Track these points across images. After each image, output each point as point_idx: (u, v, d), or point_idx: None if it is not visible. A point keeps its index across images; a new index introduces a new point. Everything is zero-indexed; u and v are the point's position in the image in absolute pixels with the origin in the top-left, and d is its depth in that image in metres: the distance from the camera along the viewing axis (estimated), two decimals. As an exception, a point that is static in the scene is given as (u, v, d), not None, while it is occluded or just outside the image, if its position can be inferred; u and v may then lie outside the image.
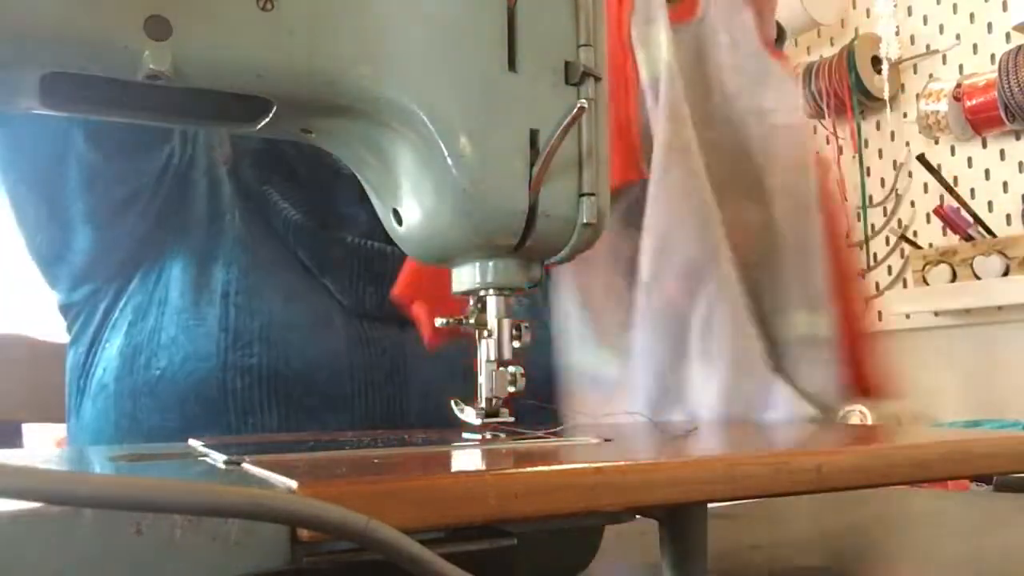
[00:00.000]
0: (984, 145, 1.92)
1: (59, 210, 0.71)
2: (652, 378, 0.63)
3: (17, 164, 0.70)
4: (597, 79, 0.45)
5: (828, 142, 2.17)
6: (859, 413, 1.99)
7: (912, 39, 2.04)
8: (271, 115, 0.43)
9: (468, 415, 0.48)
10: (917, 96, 1.98)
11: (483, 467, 0.38)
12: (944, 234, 1.96)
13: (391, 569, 0.26)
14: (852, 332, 0.68)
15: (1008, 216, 1.88)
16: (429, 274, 0.60)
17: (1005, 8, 1.87)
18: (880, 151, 2.11)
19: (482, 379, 0.47)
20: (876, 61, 2.04)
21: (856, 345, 0.68)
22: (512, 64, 0.43)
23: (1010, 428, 1.65)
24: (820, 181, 0.68)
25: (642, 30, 0.66)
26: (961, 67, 1.95)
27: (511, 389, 0.47)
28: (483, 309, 0.47)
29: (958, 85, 1.87)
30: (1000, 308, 1.85)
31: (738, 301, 0.64)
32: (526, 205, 0.44)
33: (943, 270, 1.85)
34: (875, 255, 2.11)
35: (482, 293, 0.47)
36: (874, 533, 0.58)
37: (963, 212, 1.90)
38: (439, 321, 0.49)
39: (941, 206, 1.94)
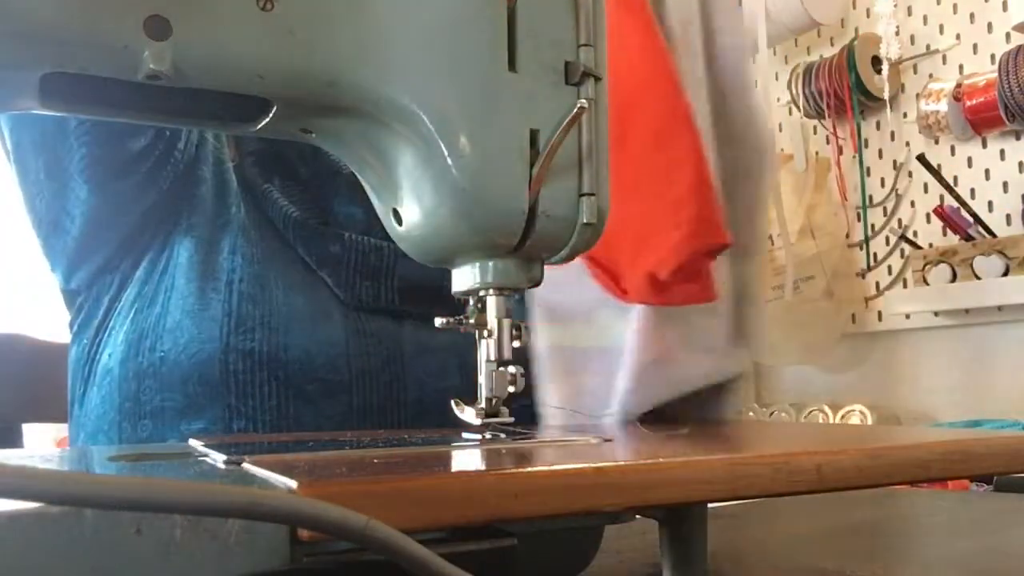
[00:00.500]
0: (984, 145, 1.92)
1: (58, 168, 0.71)
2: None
3: (24, 120, 0.70)
4: (597, 79, 0.45)
5: (828, 142, 2.17)
6: (859, 413, 1.99)
7: (912, 39, 2.04)
8: (271, 115, 0.43)
9: (468, 415, 0.48)
10: (917, 96, 1.98)
11: (483, 467, 0.38)
12: (944, 234, 1.96)
13: (391, 569, 0.26)
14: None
15: (1008, 216, 1.88)
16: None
17: (1005, 8, 1.87)
18: (880, 151, 2.11)
19: (482, 379, 0.47)
20: (876, 61, 2.04)
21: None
22: (512, 64, 0.43)
23: (1010, 428, 1.65)
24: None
25: None
26: (961, 67, 1.95)
27: (511, 389, 0.47)
28: (483, 309, 0.47)
29: (958, 85, 1.87)
30: (1000, 308, 1.85)
31: None
32: (526, 205, 0.44)
33: (943, 270, 1.85)
34: (875, 255, 2.11)
35: (482, 293, 0.47)
36: (874, 533, 0.58)
37: (963, 212, 1.90)
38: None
39: (941, 206, 1.94)
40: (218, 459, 0.38)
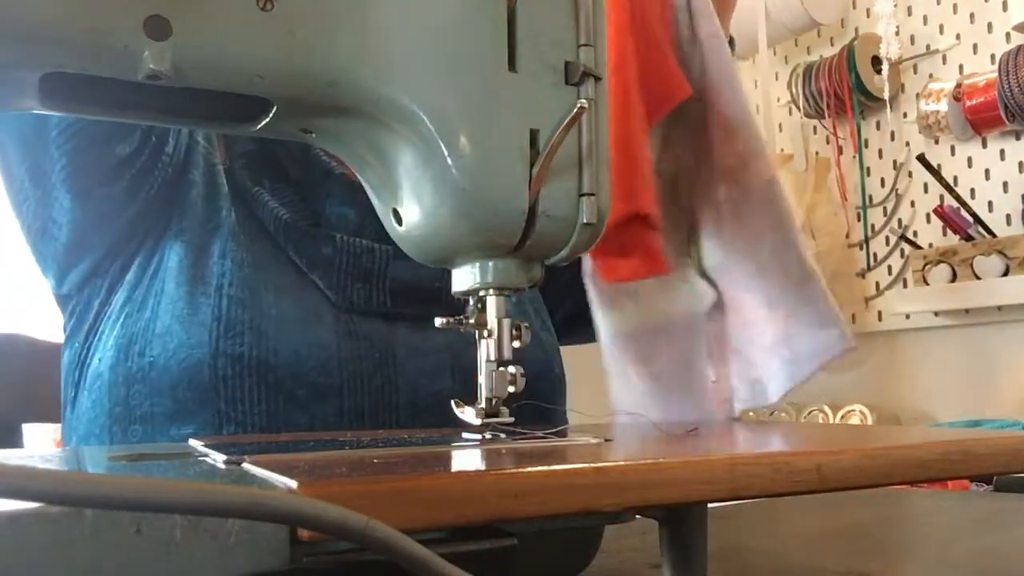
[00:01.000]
0: (984, 145, 1.92)
1: (41, 176, 0.71)
2: None
3: (7, 124, 0.70)
4: (597, 79, 0.45)
5: (828, 142, 2.17)
6: (859, 413, 1.99)
7: (912, 39, 2.04)
8: (271, 115, 0.43)
9: (468, 415, 0.48)
10: (917, 96, 1.98)
11: (483, 467, 0.38)
12: (944, 234, 1.96)
13: (391, 569, 0.26)
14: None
15: (1008, 216, 1.88)
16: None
17: (1005, 8, 1.87)
18: (880, 151, 2.11)
19: (482, 379, 0.47)
20: (876, 61, 2.04)
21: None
22: (512, 64, 0.43)
23: (1010, 428, 1.65)
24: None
25: None
26: (961, 67, 1.95)
27: (511, 389, 0.47)
28: (483, 309, 0.47)
29: (958, 85, 1.87)
30: (1000, 308, 1.85)
31: None
32: (526, 205, 0.44)
33: (943, 270, 1.85)
34: (875, 255, 2.11)
35: (482, 293, 0.47)
36: (874, 533, 0.58)
37: (963, 212, 1.90)
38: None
39: (941, 206, 1.94)
40: (218, 459, 0.38)
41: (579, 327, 0.78)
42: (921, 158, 1.95)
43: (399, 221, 0.47)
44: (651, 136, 0.64)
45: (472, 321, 0.47)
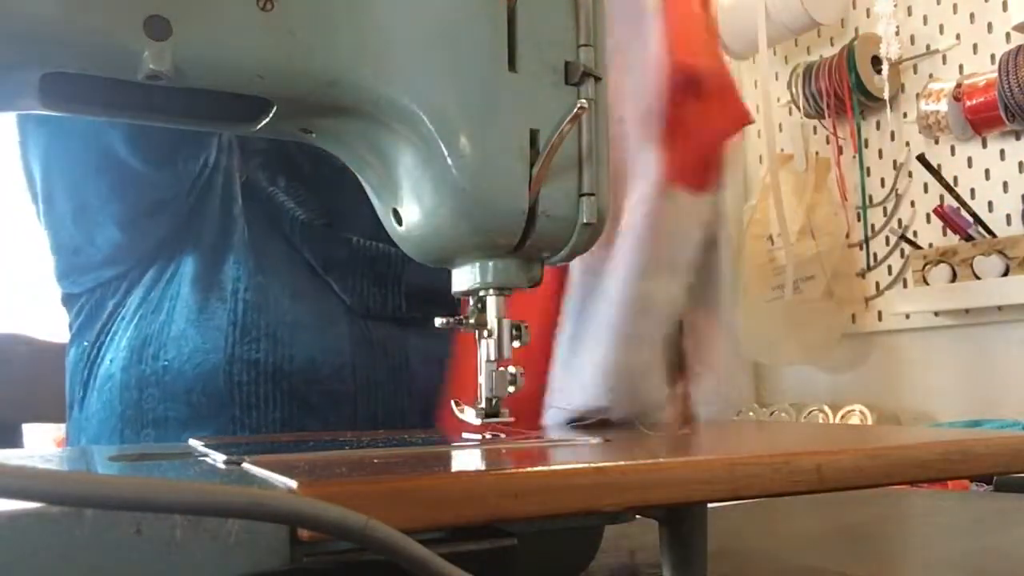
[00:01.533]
0: (984, 145, 1.92)
1: (88, 212, 0.72)
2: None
3: (55, 163, 0.71)
4: (597, 79, 0.45)
5: (828, 142, 2.17)
6: (859, 413, 1.99)
7: (912, 39, 2.04)
8: (271, 115, 0.43)
9: (468, 415, 0.48)
10: (917, 96, 1.97)
11: (483, 467, 0.38)
12: (944, 234, 1.96)
13: (391, 569, 0.26)
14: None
15: (1008, 216, 1.88)
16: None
17: (1005, 8, 1.87)
18: (880, 151, 2.11)
19: (482, 379, 0.47)
20: (876, 61, 2.04)
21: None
22: (512, 64, 0.43)
23: (1010, 428, 1.65)
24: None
25: None
26: (961, 67, 1.95)
27: (511, 389, 0.47)
28: (483, 309, 0.47)
29: (958, 85, 1.87)
30: (1000, 308, 1.85)
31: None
32: (526, 205, 0.44)
33: (943, 270, 1.85)
34: (875, 255, 2.11)
35: (482, 293, 0.47)
36: (874, 533, 0.58)
37: (963, 212, 1.90)
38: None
39: (941, 206, 1.94)
40: (218, 459, 0.38)
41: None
42: (921, 158, 1.95)
43: (399, 221, 0.47)
44: None
45: (472, 321, 0.47)
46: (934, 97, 1.92)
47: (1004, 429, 1.65)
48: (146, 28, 0.37)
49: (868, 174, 2.13)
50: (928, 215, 2.01)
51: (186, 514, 0.25)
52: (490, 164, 0.43)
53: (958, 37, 1.96)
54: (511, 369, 0.47)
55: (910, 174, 2.05)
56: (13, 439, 0.94)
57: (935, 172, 1.93)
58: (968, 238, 1.87)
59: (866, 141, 2.13)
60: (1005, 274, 1.77)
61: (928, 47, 2.02)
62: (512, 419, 0.48)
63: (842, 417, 2.01)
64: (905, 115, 2.05)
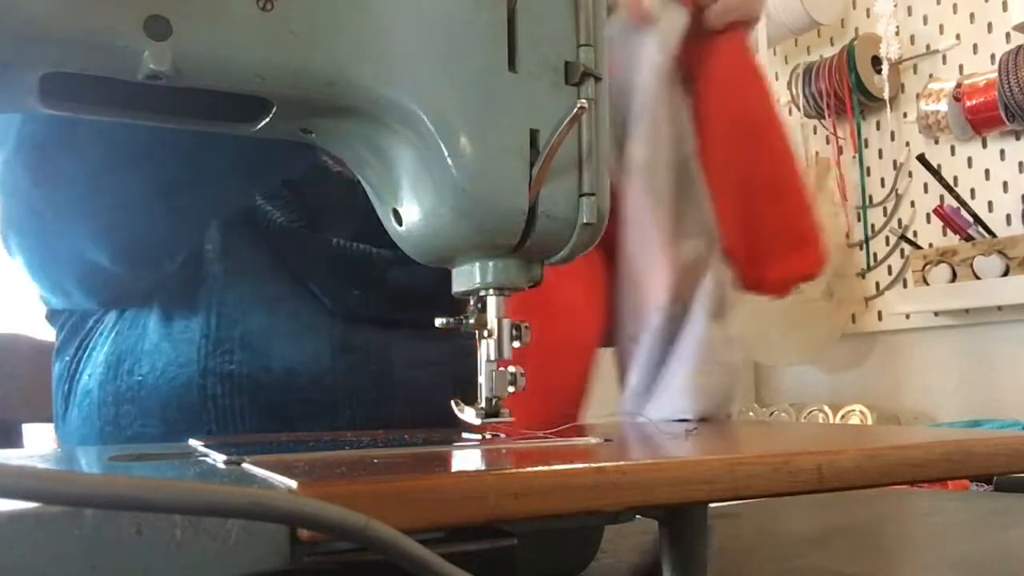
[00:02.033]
0: (984, 145, 1.92)
1: (90, 276, 0.70)
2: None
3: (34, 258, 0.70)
4: (597, 79, 0.45)
5: (828, 142, 2.17)
6: (859, 413, 1.99)
7: (912, 39, 2.04)
8: (271, 115, 0.43)
9: (468, 415, 0.48)
10: (917, 96, 1.98)
11: (483, 467, 0.38)
12: (944, 234, 1.96)
13: (391, 569, 0.26)
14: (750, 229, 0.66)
15: (1008, 216, 1.88)
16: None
17: (1005, 8, 1.87)
18: (880, 151, 2.11)
19: (482, 379, 0.47)
20: (876, 61, 2.04)
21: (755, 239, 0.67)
22: (512, 64, 0.43)
23: (1010, 428, 1.65)
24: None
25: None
26: (961, 67, 1.95)
27: (511, 389, 0.47)
28: (483, 309, 0.47)
29: (958, 85, 1.87)
30: (1000, 308, 1.85)
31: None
32: (526, 205, 0.44)
33: (943, 270, 1.85)
34: (875, 255, 2.11)
35: (482, 293, 0.47)
36: (874, 533, 0.58)
37: (963, 212, 1.90)
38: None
39: (941, 206, 1.94)
40: (218, 459, 0.38)
41: None
42: (921, 158, 1.95)
43: (399, 221, 0.47)
44: None
45: (472, 321, 0.47)
46: (934, 97, 1.92)
47: (1004, 429, 1.65)
48: (146, 28, 0.37)
49: (868, 174, 2.13)
50: (928, 215, 2.01)
51: (186, 514, 0.25)
52: (490, 164, 0.43)
53: (958, 37, 1.96)
54: (511, 369, 0.47)
55: (910, 174, 2.05)
56: (13, 439, 0.94)
57: (935, 172, 1.93)
58: (968, 238, 1.87)
59: (866, 141, 2.13)
60: (1005, 274, 1.77)
61: (928, 47, 2.02)
62: (512, 419, 0.48)
63: (842, 417, 2.01)
64: (905, 115, 2.05)
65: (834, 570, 0.48)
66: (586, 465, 0.33)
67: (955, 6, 1.97)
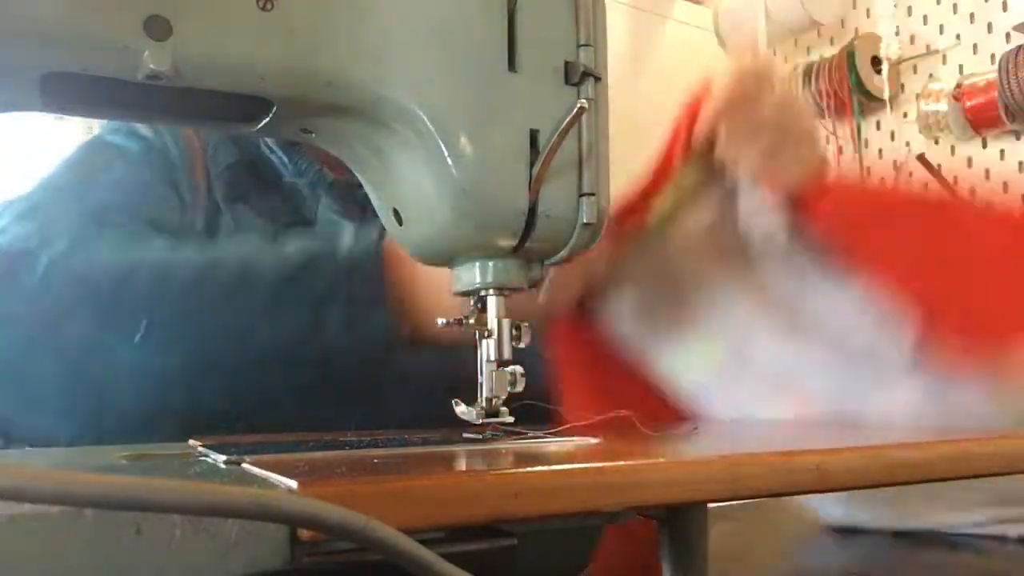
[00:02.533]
0: (984, 145, 1.92)
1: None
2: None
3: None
4: (597, 79, 0.45)
5: (828, 142, 2.17)
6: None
7: (912, 39, 2.04)
8: (271, 115, 0.43)
9: (468, 415, 0.48)
10: (917, 96, 1.98)
11: (483, 467, 0.38)
12: (944, 234, 1.96)
13: (391, 569, 0.26)
14: None
15: (1008, 216, 1.88)
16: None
17: (1005, 8, 1.87)
18: (880, 151, 2.11)
19: (482, 379, 0.47)
20: (876, 61, 2.04)
21: None
22: (512, 64, 0.43)
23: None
24: None
25: None
26: (961, 67, 1.95)
27: (511, 389, 0.47)
28: (483, 309, 0.47)
29: (958, 85, 1.87)
30: (1000, 308, 1.85)
31: None
32: (526, 205, 0.44)
33: (943, 270, 1.85)
34: (875, 255, 2.11)
35: (482, 293, 0.47)
36: (874, 533, 0.58)
37: (963, 212, 1.90)
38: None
39: (941, 206, 1.94)
40: (218, 459, 0.38)
41: None
42: (921, 158, 1.95)
43: (399, 221, 0.47)
44: None
45: (472, 321, 0.47)
46: (934, 97, 1.92)
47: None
48: (146, 28, 0.37)
49: (868, 174, 2.13)
50: (928, 215, 2.00)
51: (186, 514, 0.25)
52: (490, 164, 0.43)
53: (958, 37, 1.96)
54: (511, 369, 0.47)
55: (910, 174, 2.05)
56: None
57: (935, 172, 1.93)
58: (968, 238, 1.87)
59: (866, 141, 2.13)
60: (1005, 274, 1.77)
61: (928, 47, 2.02)
62: (511, 419, 0.48)
63: (842, 417, 2.00)
64: (905, 115, 2.05)
65: (834, 570, 0.48)
66: (586, 465, 0.33)
67: (955, 6, 1.97)
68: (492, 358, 0.47)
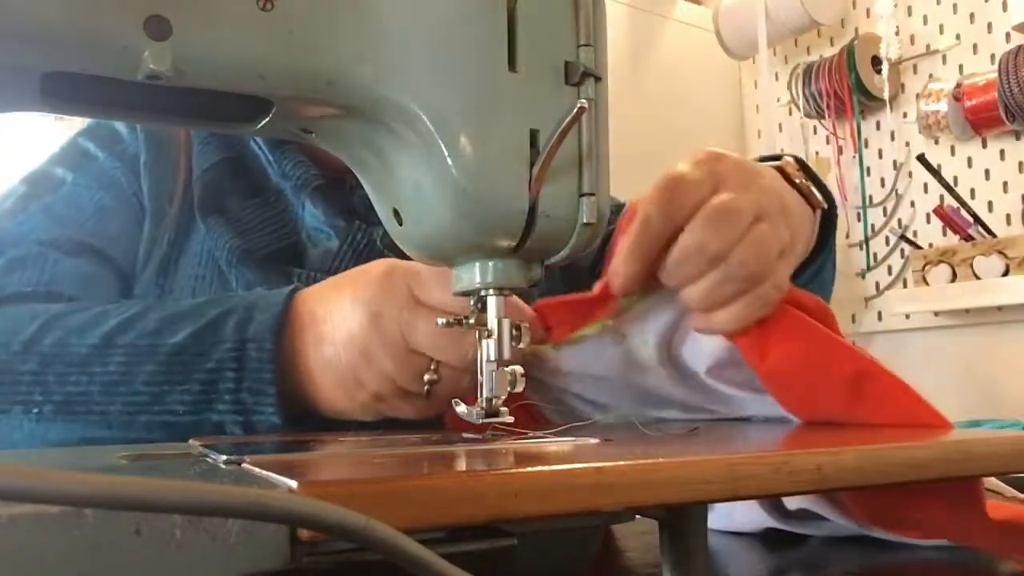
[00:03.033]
0: (984, 145, 1.92)
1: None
2: None
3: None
4: (597, 79, 0.45)
5: (828, 142, 2.17)
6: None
7: (912, 39, 2.04)
8: (271, 115, 0.43)
9: (468, 415, 0.48)
10: (917, 96, 1.98)
11: (483, 467, 0.38)
12: (944, 234, 1.96)
13: (391, 569, 0.26)
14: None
15: (1008, 216, 1.88)
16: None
17: (1005, 8, 1.87)
18: (880, 151, 2.11)
19: (482, 379, 0.47)
20: (876, 61, 2.04)
21: None
22: (512, 64, 0.43)
23: (1010, 428, 1.65)
24: None
25: None
26: (961, 67, 1.95)
27: (511, 389, 0.47)
28: (483, 309, 0.47)
29: (958, 85, 1.87)
30: (1000, 308, 1.85)
31: None
32: (526, 205, 0.44)
33: (943, 270, 1.85)
34: (875, 255, 2.11)
35: (482, 293, 0.47)
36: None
37: (963, 212, 1.90)
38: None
39: (941, 206, 1.94)
40: (218, 459, 0.38)
41: None
42: (921, 158, 1.95)
43: (399, 221, 0.47)
44: None
45: (472, 321, 0.47)
46: (934, 97, 1.92)
47: (1004, 429, 1.65)
48: (146, 28, 0.37)
49: (868, 174, 2.13)
50: (928, 215, 2.01)
51: (186, 514, 0.25)
52: (490, 164, 0.43)
53: (958, 37, 1.96)
54: (510, 369, 0.47)
55: (910, 174, 2.05)
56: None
57: (935, 172, 1.93)
58: (968, 238, 1.87)
59: (866, 141, 2.13)
60: (1005, 274, 1.77)
61: (928, 47, 2.02)
62: (511, 419, 0.48)
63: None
64: (905, 115, 2.05)
65: (835, 570, 0.48)
66: (586, 465, 0.33)
67: (955, 6, 1.97)
68: (492, 358, 0.47)
